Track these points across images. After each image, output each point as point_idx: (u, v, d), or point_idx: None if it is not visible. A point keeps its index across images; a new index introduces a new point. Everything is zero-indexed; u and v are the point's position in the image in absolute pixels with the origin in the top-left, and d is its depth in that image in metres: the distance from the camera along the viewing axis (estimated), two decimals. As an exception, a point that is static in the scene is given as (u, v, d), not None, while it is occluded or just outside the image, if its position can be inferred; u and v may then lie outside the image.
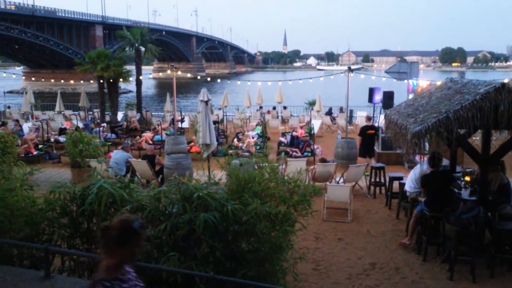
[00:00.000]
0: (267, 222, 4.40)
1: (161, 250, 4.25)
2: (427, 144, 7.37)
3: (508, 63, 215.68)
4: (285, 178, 4.92)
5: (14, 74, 47.71)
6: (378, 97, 18.97)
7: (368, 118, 15.06)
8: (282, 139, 17.63)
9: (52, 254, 4.21)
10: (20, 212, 4.50)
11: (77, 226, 4.82)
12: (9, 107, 29.73)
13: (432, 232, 7.68)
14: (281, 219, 4.54)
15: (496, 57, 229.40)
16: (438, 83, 12.57)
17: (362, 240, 8.62)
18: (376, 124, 15.91)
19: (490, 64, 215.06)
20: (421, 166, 8.58)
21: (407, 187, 8.84)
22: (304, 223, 4.98)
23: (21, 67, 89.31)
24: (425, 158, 8.57)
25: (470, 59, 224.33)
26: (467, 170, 9.13)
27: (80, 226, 4.84)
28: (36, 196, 5.06)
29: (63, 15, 75.93)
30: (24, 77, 76.68)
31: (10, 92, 67.96)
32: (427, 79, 18.21)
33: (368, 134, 13.80)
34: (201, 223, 4.05)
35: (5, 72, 35.19)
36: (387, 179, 11.03)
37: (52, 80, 54.82)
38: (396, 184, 10.45)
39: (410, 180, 8.74)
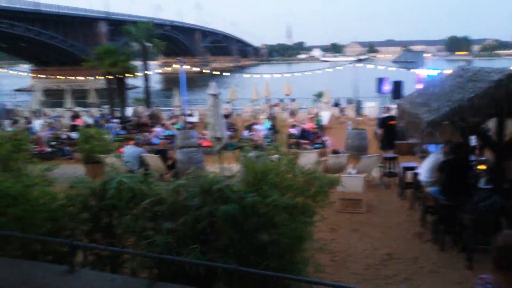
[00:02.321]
0: (286, 214, 4.41)
1: (182, 243, 4.28)
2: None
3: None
4: (303, 168, 4.92)
5: (22, 72, 47.95)
6: (386, 87, 18.92)
7: (388, 109, 14.95)
8: (293, 131, 17.62)
9: (75, 249, 4.25)
10: (41, 207, 4.54)
11: (97, 220, 4.85)
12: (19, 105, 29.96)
13: (449, 221, 7.65)
14: (300, 210, 4.54)
15: (502, 45, 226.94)
16: (448, 71, 12.49)
17: (377, 231, 8.62)
18: (385, 114, 15.86)
19: (496, 52, 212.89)
20: (436, 155, 8.54)
21: (421, 177, 8.81)
22: (322, 214, 4.98)
23: (28, 65, 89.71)
24: (439, 147, 8.52)
25: (475, 48, 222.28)
26: (482, 158, 9.10)
27: (101, 220, 4.87)
28: (56, 191, 5.09)
29: (67, 11, 76.08)
30: (31, 75, 77.01)
31: (19, 90, 68.30)
32: (436, 68, 18.10)
33: (390, 125, 13.67)
34: (221, 215, 4.06)
35: (16, 71, 35.32)
36: (400, 169, 11.00)
37: (61, 77, 54.96)
38: (409, 174, 10.42)
39: (425, 170, 8.70)
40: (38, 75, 73.47)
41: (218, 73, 45.26)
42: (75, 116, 23.73)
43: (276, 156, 5.41)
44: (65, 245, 4.34)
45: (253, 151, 5.54)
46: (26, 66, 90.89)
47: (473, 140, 8.76)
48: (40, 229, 4.54)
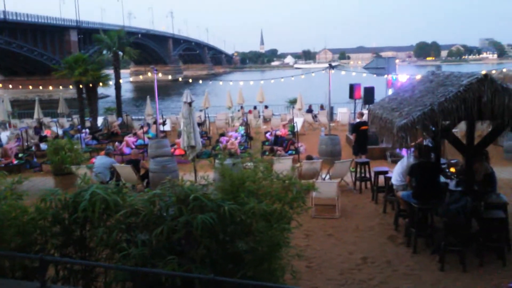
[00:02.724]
0: (263, 221, 4.40)
1: (158, 255, 4.21)
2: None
3: (481, 55, 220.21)
4: (279, 176, 4.93)
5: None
6: (358, 93, 19.23)
7: (361, 114, 15.15)
8: (268, 136, 17.65)
9: (47, 263, 4.12)
10: (11, 222, 4.39)
11: (69, 234, 4.73)
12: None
13: (421, 224, 7.78)
14: (277, 217, 4.54)
15: (469, 50, 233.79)
16: (418, 76, 12.76)
17: (351, 235, 8.70)
18: (357, 120, 16.06)
19: (463, 57, 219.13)
20: (408, 159, 8.69)
21: (393, 181, 8.95)
22: (299, 220, 5.00)
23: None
24: (411, 151, 8.67)
25: (444, 53, 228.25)
26: (452, 161, 9.31)
27: (73, 234, 4.75)
28: (26, 205, 4.95)
29: (36, 20, 74.45)
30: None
31: (-15, 101, 66.37)
32: (406, 74, 18.50)
33: (362, 130, 13.86)
34: (199, 225, 4.02)
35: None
36: (373, 174, 11.15)
37: (31, 87, 53.77)
38: (381, 178, 10.57)
39: (397, 173, 8.84)
40: (6, 86, 71.79)
41: (190, 80, 45.06)
42: (39, 127, 23.08)
43: (251, 163, 5.40)
44: (35, 260, 4.20)
45: (228, 159, 5.53)
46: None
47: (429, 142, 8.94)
48: (9, 245, 4.39)
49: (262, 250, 4.31)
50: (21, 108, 34.99)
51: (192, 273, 3.96)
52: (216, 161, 5.25)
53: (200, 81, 42.12)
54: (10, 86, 69.16)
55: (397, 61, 27.63)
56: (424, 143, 8.76)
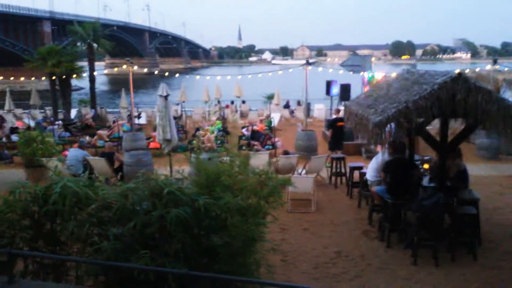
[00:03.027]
0: (239, 216, 4.37)
1: (130, 249, 4.14)
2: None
3: (455, 55, 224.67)
4: (255, 170, 4.90)
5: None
6: (335, 89, 19.37)
7: (337, 111, 15.23)
8: (244, 132, 17.60)
9: (15, 257, 4.00)
10: (-23, 216, 4.26)
11: (39, 227, 4.61)
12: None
13: (394, 219, 7.88)
14: (253, 212, 4.51)
15: (443, 50, 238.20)
16: (394, 74, 12.91)
17: (326, 230, 8.76)
18: (334, 116, 16.17)
19: (438, 56, 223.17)
20: (382, 155, 8.79)
21: (368, 176, 9.04)
22: (274, 215, 4.98)
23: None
24: (385, 148, 8.77)
25: (419, 52, 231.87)
26: (425, 158, 9.46)
27: (43, 227, 4.63)
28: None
29: (7, 10, 72.43)
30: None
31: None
32: (382, 71, 18.71)
33: (338, 126, 13.93)
34: (173, 219, 3.96)
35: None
36: (348, 169, 11.25)
37: (1, 78, 52.35)
38: (356, 173, 10.67)
39: (372, 169, 8.94)
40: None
41: (166, 74, 44.66)
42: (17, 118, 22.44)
43: (227, 157, 5.36)
44: (3, 254, 4.08)
45: (204, 153, 5.48)
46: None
47: None
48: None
49: (236, 244, 4.28)
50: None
51: (166, 267, 3.90)
52: (192, 155, 5.16)
53: (177, 75, 41.71)
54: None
55: (373, 59, 27.90)
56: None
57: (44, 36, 78.00)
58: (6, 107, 26.44)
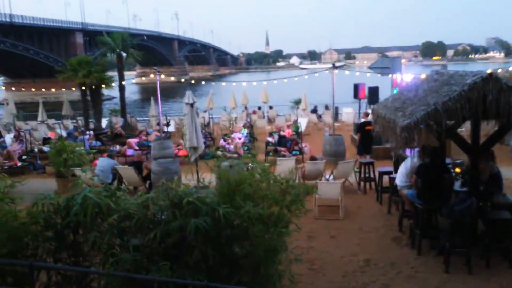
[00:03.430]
0: (260, 225, 4.27)
1: (151, 259, 4.10)
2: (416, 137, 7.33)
3: (487, 54, 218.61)
4: (278, 177, 4.79)
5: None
6: (363, 93, 19.04)
7: (366, 114, 14.96)
8: (270, 139, 17.52)
9: (38, 269, 4.02)
10: (1, 227, 4.30)
11: (62, 238, 4.63)
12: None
13: (425, 225, 7.62)
14: (275, 221, 4.41)
15: (476, 49, 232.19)
16: (423, 76, 12.58)
17: (355, 237, 8.55)
18: (362, 120, 15.89)
19: (470, 56, 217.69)
20: (412, 160, 8.53)
21: (397, 181, 8.79)
22: (297, 223, 4.86)
23: (1, 78, 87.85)
24: (415, 151, 8.52)
25: (450, 52, 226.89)
26: (457, 161, 9.13)
27: (66, 238, 4.65)
28: (21, 208, 4.86)
29: (42, 23, 74.88)
30: (4, 88, 75.39)
31: (-6, 103, 66.81)
32: (411, 73, 18.30)
33: (366, 130, 13.64)
34: (192, 229, 3.90)
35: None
36: (377, 174, 10.99)
37: (33, 90, 54.10)
38: (386, 178, 10.41)
39: (401, 174, 8.68)
40: (13, 88, 72.22)
41: (193, 81, 45.11)
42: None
43: (253, 164, 5.28)
44: (25, 266, 4.11)
45: (227, 160, 5.41)
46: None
47: None
48: (1, 250, 4.29)
49: (258, 254, 4.19)
50: (28, 110, 35.06)
51: (186, 279, 3.84)
52: (214, 163, 5.11)
53: (203, 82, 41.97)
54: (13, 88, 69.37)
55: (403, 60, 27.36)
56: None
57: (76, 47, 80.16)
58: (40, 118, 27.18)
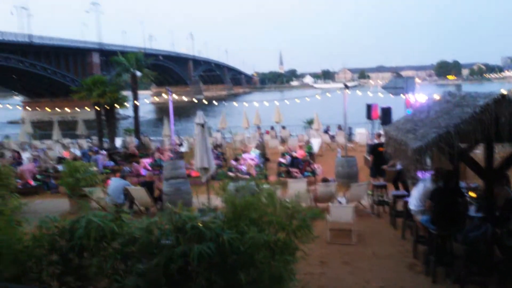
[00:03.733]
0: (266, 251, 4.16)
1: (155, 286, 4.01)
2: (428, 160, 7.19)
3: (503, 73, 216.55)
4: (284, 202, 4.69)
5: (12, 104, 47.71)
6: (375, 113, 18.90)
7: (378, 135, 14.79)
8: (282, 160, 17.42)
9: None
10: (5, 250, 4.26)
11: (67, 262, 4.58)
12: (7, 137, 29.60)
13: (440, 251, 7.41)
14: (281, 247, 4.30)
15: (491, 68, 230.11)
16: (436, 97, 12.43)
17: (368, 263, 8.34)
18: (375, 141, 15.72)
19: (485, 75, 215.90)
20: (424, 183, 8.34)
21: (411, 205, 8.58)
22: (305, 249, 4.73)
23: (20, 97, 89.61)
24: (428, 175, 8.34)
25: (465, 72, 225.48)
26: (472, 185, 8.91)
27: (71, 262, 4.59)
28: (29, 230, 4.83)
29: (60, 43, 76.55)
30: (22, 107, 76.87)
31: (11, 122, 68.10)
32: (424, 94, 18.13)
33: (379, 151, 13.43)
34: (195, 256, 3.81)
35: (8, 104, 34.87)
36: (391, 197, 10.79)
37: (47, 109, 54.96)
38: (400, 202, 10.20)
39: (414, 198, 8.49)
40: (30, 107, 73.59)
41: (206, 102, 45.41)
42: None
43: (264, 186, 5.20)
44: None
45: (233, 183, 5.34)
46: (18, 98, 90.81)
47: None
48: (3, 274, 4.25)
49: (264, 282, 4.07)
50: (45, 129, 35.57)
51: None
52: (219, 185, 5.03)
53: (215, 103, 42.06)
54: (28, 108, 70.65)
55: (417, 80, 27.18)
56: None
57: (93, 66, 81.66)
58: (54, 137, 27.51)
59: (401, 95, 18.43)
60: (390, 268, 8.05)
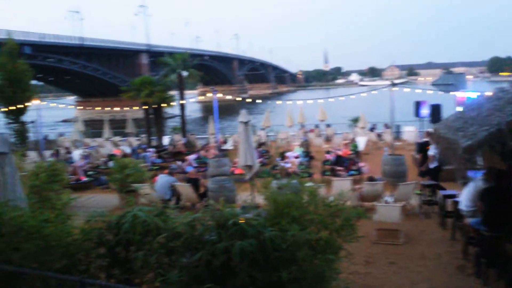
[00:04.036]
0: (308, 249, 4.12)
1: (197, 280, 4.06)
2: (480, 159, 6.89)
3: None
4: (327, 200, 4.63)
5: (65, 104, 49.81)
6: (424, 110, 18.37)
7: (428, 133, 14.36)
8: (328, 156, 17.23)
9: (87, 286, 4.10)
10: (56, 243, 4.45)
11: (115, 255, 4.72)
12: (61, 135, 30.93)
13: (492, 253, 7.09)
14: (323, 246, 4.24)
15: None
16: (488, 93, 11.92)
17: (416, 264, 8.11)
18: (424, 139, 15.25)
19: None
20: (475, 183, 8.01)
21: (461, 206, 8.27)
22: (350, 248, 4.65)
23: (73, 97, 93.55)
24: (479, 174, 8.00)
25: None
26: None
27: (118, 255, 4.73)
28: (78, 224, 5.02)
29: (110, 45, 79.30)
30: (75, 106, 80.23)
31: (65, 121, 71.33)
32: (475, 90, 17.42)
33: (428, 150, 13.05)
34: (237, 252, 3.83)
35: (62, 104, 36.51)
36: (440, 197, 10.44)
37: (98, 108, 57.06)
38: (450, 202, 9.86)
39: (465, 198, 8.16)
40: (83, 107, 76.68)
41: (249, 100, 45.84)
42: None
43: (307, 184, 5.17)
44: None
45: (276, 180, 5.33)
46: (71, 98, 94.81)
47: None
48: (54, 265, 4.44)
49: (306, 280, 4.03)
50: (96, 128, 36.89)
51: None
52: (262, 183, 5.03)
53: (260, 101, 42.26)
54: (81, 107, 73.67)
55: (468, 77, 26.13)
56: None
57: (142, 67, 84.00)
58: (105, 135, 28.50)
59: (451, 92, 17.79)
60: (439, 269, 7.80)
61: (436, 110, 17.02)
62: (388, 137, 21.99)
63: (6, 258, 4.39)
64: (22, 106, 25.69)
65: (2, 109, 25.82)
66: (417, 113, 18.60)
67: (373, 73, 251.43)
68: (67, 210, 5.15)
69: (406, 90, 22.15)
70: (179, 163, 17.79)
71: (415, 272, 7.75)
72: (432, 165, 12.18)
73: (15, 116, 26.19)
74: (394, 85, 14.90)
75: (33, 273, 4.28)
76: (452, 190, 10.56)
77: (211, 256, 4.05)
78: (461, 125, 7.26)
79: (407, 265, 8.07)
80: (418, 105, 18.52)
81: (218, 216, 4.17)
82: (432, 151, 11.97)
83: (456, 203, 9.08)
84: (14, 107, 25.37)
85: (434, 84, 23.22)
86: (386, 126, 25.08)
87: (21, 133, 26.44)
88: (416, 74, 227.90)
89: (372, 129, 25.24)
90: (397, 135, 24.31)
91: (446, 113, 16.59)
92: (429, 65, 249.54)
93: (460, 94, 16.75)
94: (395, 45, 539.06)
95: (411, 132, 23.62)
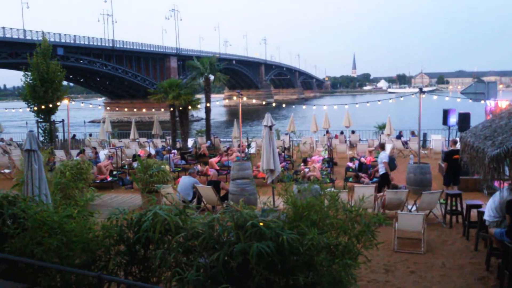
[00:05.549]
0: (326, 254, 4.10)
1: (214, 281, 4.09)
2: (507, 169, 6.72)
3: None
4: (347, 206, 4.60)
5: (95, 104, 50.79)
6: (453, 119, 18.05)
7: (454, 142, 14.09)
8: (350, 164, 17.08)
9: (103, 281, 4.17)
10: (77, 238, 4.55)
11: (134, 253, 4.79)
12: (90, 135, 31.59)
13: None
14: (342, 251, 4.21)
15: None
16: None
17: (437, 274, 7.95)
18: (450, 148, 14.97)
19: None
20: (501, 193, 7.81)
21: (486, 216, 8.07)
22: (368, 255, 4.60)
23: (102, 98, 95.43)
24: (506, 184, 7.80)
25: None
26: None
27: (137, 253, 4.80)
28: (101, 221, 5.11)
29: (140, 48, 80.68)
30: (105, 108, 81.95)
31: (93, 121, 72.88)
32: (506, 99, 17.00)
33: (454, 159, 12.79)
34: (254, 253, 3.84)
35: (90, 104, 37.29)
36: (465, 207, 10.23)
37: (126, 109, 57.94)
38: (474, 212, 9.64)
39: (489, 208, 7.97)
40: (111, 108, 78.24)
41: (274, 104, 45.98)
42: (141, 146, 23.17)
43: (329, 189, 5.15)
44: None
45: (297, 185, 5.32)
46: (100, 99, 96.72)
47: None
48: (74, 260, 4.53)
49: (322, 285, 4.01)
50: (123, 129, 37.55)
51: (246, 304, 3.78)
52: (282, 187, 5.03)
53: (284, 105, 42.31)
54: (109, 108, 75.07)
55: (500, 86, 25.49)
56: None
57: (171, 70, 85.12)
58: (132, 136, 28.96)
59: (482, 101, 17.42)
60: (460, 280, 7.62)
61: (464, 119, 16.69)
62: (414, 145, 21.66)
63: (29, 252, 4.52)
64: (52, 105, 26.36)
65: (34, 108, 26.55)
66: (445, 121, 18.29)
67: (402, 80, 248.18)
68: (89, 208, 5.24)
69: (435, 97, 21.77)
70: (199, 167, 17.91)
71: (436, 283, 7.59)
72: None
73: (45, 115, 26.87)
74: (422, 92, 14.64)
75: (54, 267, 4.38)
76: (477, 200, 10.35)
77: (228, 257, 4.07)
78: (490, 134, 7.12)
79: (428, 275, 7.92)
80: (446, 113, 18.21)
81: (237, 217, 4.19)
82: None
83: (480, 213, 8.89)
84: (44, 106, 26.05)
85: (464, 93, 22.72)
86: (413, 133, 24.72)
87: (50, 132, 27.11)
88: (446, 82, 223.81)
89: (398, 137, 24.88)
90: (424, 143, 23.91)
91: (474, 122, 16.25)
92: (460, 74, 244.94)
93: (491, 103, 16.39)
94: (425, 53, 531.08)
95: (438, 141, 23.20)
